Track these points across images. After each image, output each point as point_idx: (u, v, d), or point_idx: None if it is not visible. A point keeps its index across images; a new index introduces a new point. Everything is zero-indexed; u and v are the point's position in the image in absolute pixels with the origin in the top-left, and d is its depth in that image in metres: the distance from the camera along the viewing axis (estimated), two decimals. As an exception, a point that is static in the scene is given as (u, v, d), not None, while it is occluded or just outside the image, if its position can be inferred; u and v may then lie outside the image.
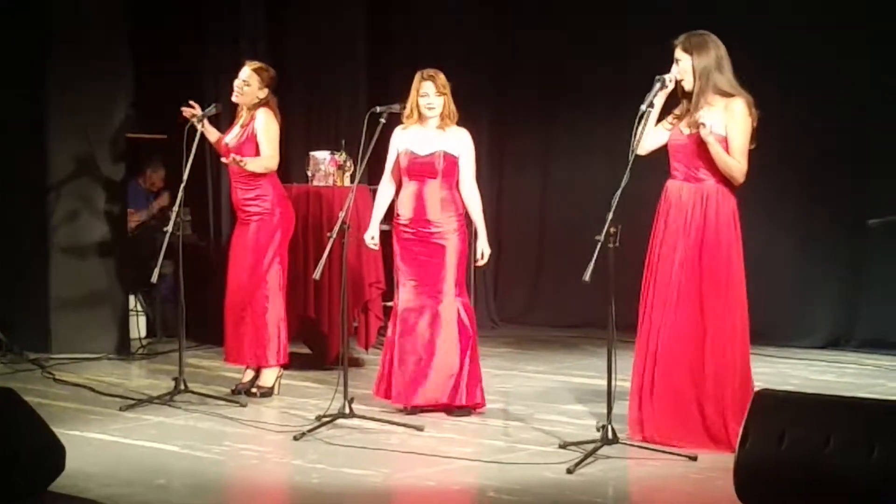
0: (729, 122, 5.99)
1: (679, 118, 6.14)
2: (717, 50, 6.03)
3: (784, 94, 9.04)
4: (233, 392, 7.43)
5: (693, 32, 6.09)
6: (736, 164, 5.99)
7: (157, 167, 10.07)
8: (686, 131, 6.09)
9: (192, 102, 7.34)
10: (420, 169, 6.87)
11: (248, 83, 7.34)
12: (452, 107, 6.90)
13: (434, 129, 6.89)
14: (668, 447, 5.96)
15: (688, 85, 6.06)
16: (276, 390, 7.49)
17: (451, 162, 6.86)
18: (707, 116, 5.96)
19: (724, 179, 6.05)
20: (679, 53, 6.07)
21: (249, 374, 7.55)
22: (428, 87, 6.83)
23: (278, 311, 7.47)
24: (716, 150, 5.97)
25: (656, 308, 6.10)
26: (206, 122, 7.36)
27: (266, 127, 7.31)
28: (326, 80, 10.06)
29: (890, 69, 8.90)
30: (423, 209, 6.88)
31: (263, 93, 7.36)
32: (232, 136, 7.43)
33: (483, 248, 6.94)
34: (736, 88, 6.03)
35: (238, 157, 7.17)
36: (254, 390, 7.44)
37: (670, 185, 6.16)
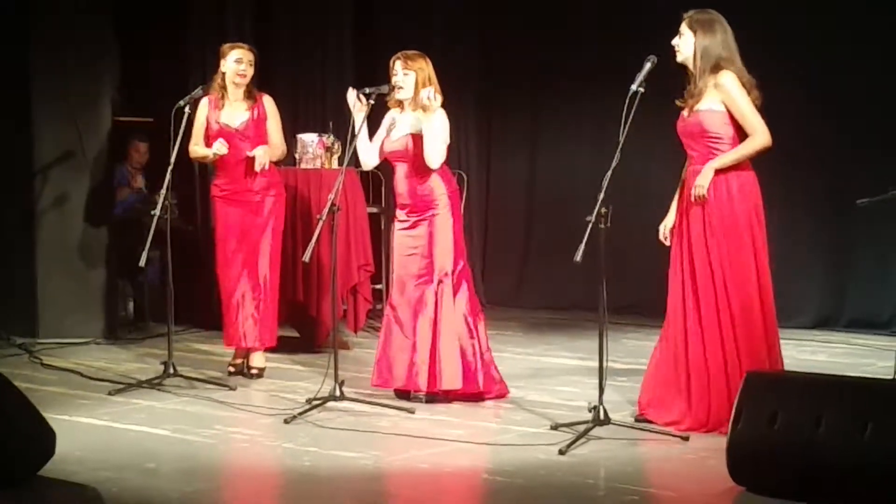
0: (724, 96, 5.89)
1: (685, 101, 6.04)
2: (723, 33, 5.94)
3: (768, 76, 9.00)
4: (230, 374, 7.47)
5: (702, 10, 5.99)
6: (750, 143, 5.86)
7: (138, 143, 9.91)
8: (686, 114, 6.00)
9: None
10: (396, 153, 6.83)
11: (251, 63, 7.44)
12: (429, 86, 6.71)
13: (410, 111, 6.81)
14: (662, 427, 5.96)
15: (685, 61, 5.99)
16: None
17: (420, 144, 6.74)
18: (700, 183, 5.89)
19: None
20: (683, 28, 5.99)
21: (241, 356, 7.58)
22: (396, 66, 6.78)
23: (277, 293, 7.57)
24: (725, 162, 5.86)
25: (685, 298, 6.03)
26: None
27: (276, 114, 7.53)
28: (313, 62, 10.02)
29: (873, 52, 8.90)
30: (405, 192, 6.84)
31: (252, 70, 7.49)
32: (237, 120, 7.44)
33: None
34: (734, 68, 5.91)
35: (265, 160, 7.36)
36: (254, 371, 7.50)
37: (690, 170, 6.04)
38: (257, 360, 7.54)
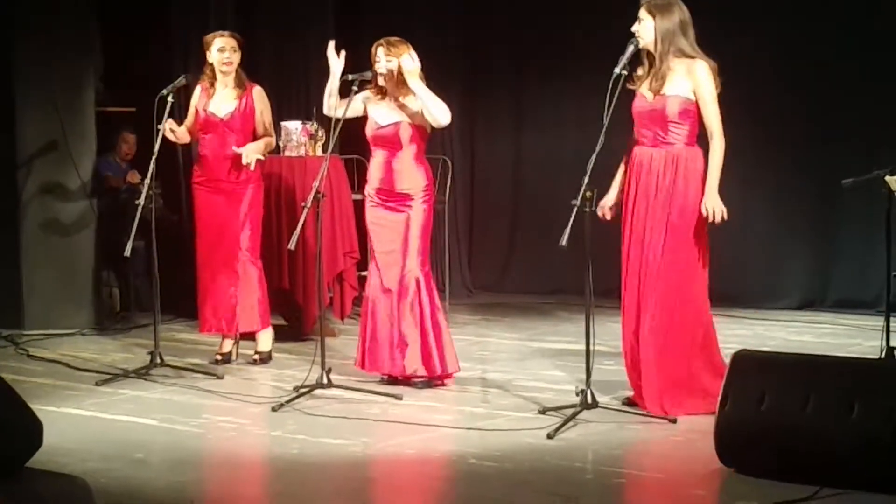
0: (696, 86, 5.93)
1: (640, 81, 6.05)
2: (681, 14, 5.97)
3: (753, 58, 9.05)
4: (216, 363, 7.47)
5: None
6: (717, 152, 5.90)
7: (127, 135, 9.90)
8: (649, 96, 6.01)
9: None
10: (383, 139, 6.82)
11: (235, 49, 7.43)
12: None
13: (396, 97, 6.81)
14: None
15: (647, 46, 5.99)
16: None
17: (415, 129, 6.78)
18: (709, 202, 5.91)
19: (693, 141, 6.01)
20: (642, 13, 6.00)
21: (228, 345, 7.60)
22: (379, 52, 6.78)
23: (261, 277, 7.61)
24: (716, 180, 5.88)
25: (631, 275, 6.06)
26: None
27: (266, 106, 7.56)
28: (297, 49, 9.98)
29: (857, 34, 8.91)
30: (388, 179, 6.83)
31: (238, 56, 7.47)
32: (224, 110, 7.45)
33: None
34: (698, 53, 5.97)
35: (253, 158, 7.31)
36: (255, 357, 7.55)
37: (638, 151, 6.07)
38: (262, 343, 7.60)
